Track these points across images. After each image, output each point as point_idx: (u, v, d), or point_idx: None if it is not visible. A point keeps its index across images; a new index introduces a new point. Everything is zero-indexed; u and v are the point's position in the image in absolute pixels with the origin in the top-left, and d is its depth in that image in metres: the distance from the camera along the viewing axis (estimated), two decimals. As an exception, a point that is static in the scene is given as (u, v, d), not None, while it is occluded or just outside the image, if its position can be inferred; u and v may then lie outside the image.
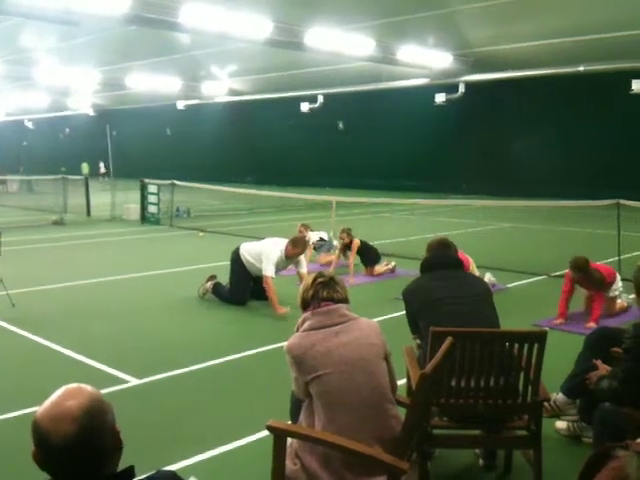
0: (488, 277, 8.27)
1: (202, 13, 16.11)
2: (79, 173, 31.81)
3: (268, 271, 7.37)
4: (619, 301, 7.06)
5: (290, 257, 7.53)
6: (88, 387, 1.60)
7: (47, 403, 1.55)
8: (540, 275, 9.30)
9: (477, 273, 7.84)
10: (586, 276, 6.59)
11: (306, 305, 3.06)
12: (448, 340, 2.98)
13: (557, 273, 8.70)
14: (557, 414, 4.18)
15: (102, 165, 39.32)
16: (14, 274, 8.39)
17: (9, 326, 6.65)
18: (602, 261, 8.06)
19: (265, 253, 7.45)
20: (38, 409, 1.56)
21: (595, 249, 9.85)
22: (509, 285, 8.71)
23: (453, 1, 17.43)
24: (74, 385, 1.59)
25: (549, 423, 4.03)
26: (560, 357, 4.47)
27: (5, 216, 17.89)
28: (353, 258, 9.22)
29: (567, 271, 6.79)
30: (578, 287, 6.86)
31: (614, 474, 1.67)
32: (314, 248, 10.17)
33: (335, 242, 10.19)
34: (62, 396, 1.55)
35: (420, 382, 2.68)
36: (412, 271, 7.61)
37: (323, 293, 3.02)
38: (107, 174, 34.82)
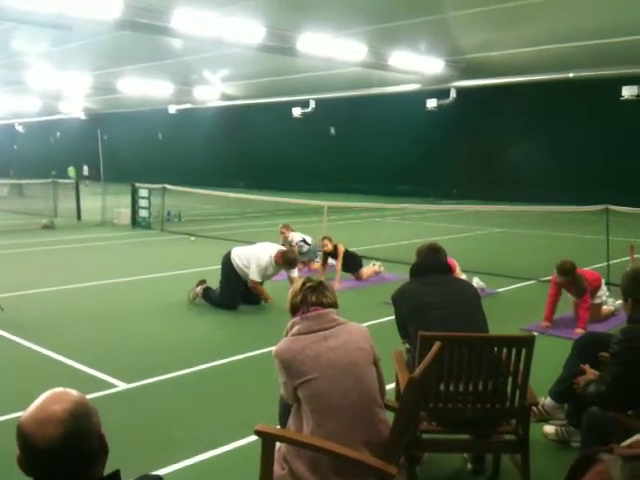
0: (476, 281, 8.29)
1: (194, 18, 16.10)
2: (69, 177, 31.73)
3: (254, 275, 7.42)
4: (605, 307, 7.10)
5: (279, 265, 7.56)
6: (73, 391, 1.60)
7: (32, 407, 1.56)
8: (529, 280, 9.33)
9: (463, 277, 7.89)
10: (572, 280, 6.61)
11: (295, 310, 3.06)
12: (436, 344, 2.99)
13: (546, 278, 8.71)
14: (545, 418, 4.20)
15: (86, 168, 39.40)
16: (2, 278, 8.36)
17: (-2, 330, 6.62)
18: (591, 266, 8.12)
19: (255, 257, 7.48)
20: (23, 413, 1.56)
21: (584, 254, 9.89)
22: (499, 290, 8.74)
23: (445, 8, 17.48)
24: (59, 389, 1.59)
25: (537, 427, 4.05)
26: (549, 362, 4.49)
27: (-5, 220, 17.81)
28: (340, 263, 9.18)
29: (553, 275, 6.82)
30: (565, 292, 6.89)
31: (599, 478, 1.68)
32: (300, 254, 10.10)
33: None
34: (47, 400, 1.56)
35: (408, 386, 2.69)
36: (402, 275, 7.63)
37: (312, 298, 3.03)
38: (90, 177, 34.84)
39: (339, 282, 8.73)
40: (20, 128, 50.80)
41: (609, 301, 7.18)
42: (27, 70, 27.67)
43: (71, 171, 39.39)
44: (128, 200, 17.39)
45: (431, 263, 4.02)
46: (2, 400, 4.69)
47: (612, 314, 7.08)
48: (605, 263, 8.95)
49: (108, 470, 1.63)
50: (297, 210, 20.05)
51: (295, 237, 10.22)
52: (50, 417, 1.51)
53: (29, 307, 7.77)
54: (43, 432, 1.50)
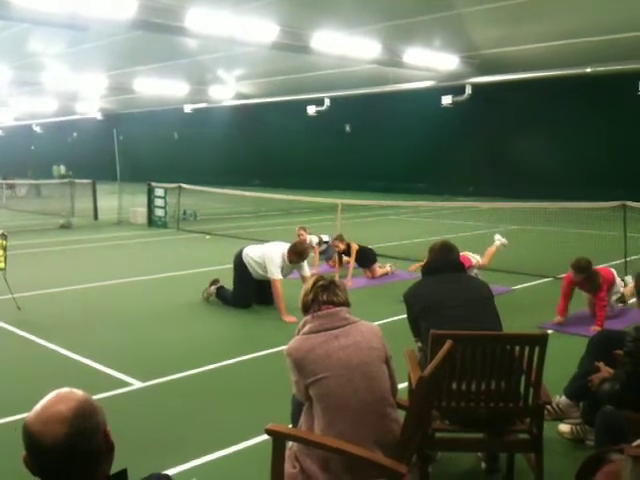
0: (498, 238, 8.35)
1: (208, 18, 16.15)
2: (86, 177, 31.90)
3: (275, 274, 7.34)
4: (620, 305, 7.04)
5: (293, 262, 7.53)
6: (78, 391, 1.61)
7: (38, 407, 1.57)
8: (546, 277, 9.26)
9: (478, 257, 7.90)
10: (588, 278, 6.54)
11: (307, 308, 3.06)
12: (447, 343, 2.97)
13: (563, 275, 8.64)
14: (560, 417, 4.16)
15: (63, 167, 39.92)
16: (20, 277, 8.43)
17: (15, 329, 6.69)
18: (608, 263, 8.03)
19: (268, 257, 7.42)
20: (29, 413, 1.57)
21: (601, 251, 9.80)
22: (515, 287, 8.68)
23: (459, 3, 17.39)
24: (65, 389, 1.61)
25: (552, 426, 4.02)
26: (564, 360, 4.46)
27: (13, 220, 17.99)
28: (353, 262, 9.19)
29: (568, 272, 6.73)
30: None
31: (609, 478, 1.66)
32: (320, 253, 10.09)
33: None
34: (52, 399, 1.57)
35: (418, 385, 2.68)
36: (415, 273, 7.61)
37: (323, 296, 3.02)
38: (67, 175, 35.09)
39: (351, 280, 8.73)
40: (37, 129, 51.26)
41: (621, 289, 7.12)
42: (43, 71, 27.91)
43: (55, 170, 40.01)
44: (144, 199, 17.49)
45: (443, 262, 4.01)
46: (18, 399, 4.73)
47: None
48: (622, 260, 8.86)
49: (117, 467, 1.64)
50: (312, 208, 20.05)
51: (313, 240, 10.14)
52: (55, 416, 1.52)
53: (45, 306, 7.84)
54: (48, 431, 1.51)
